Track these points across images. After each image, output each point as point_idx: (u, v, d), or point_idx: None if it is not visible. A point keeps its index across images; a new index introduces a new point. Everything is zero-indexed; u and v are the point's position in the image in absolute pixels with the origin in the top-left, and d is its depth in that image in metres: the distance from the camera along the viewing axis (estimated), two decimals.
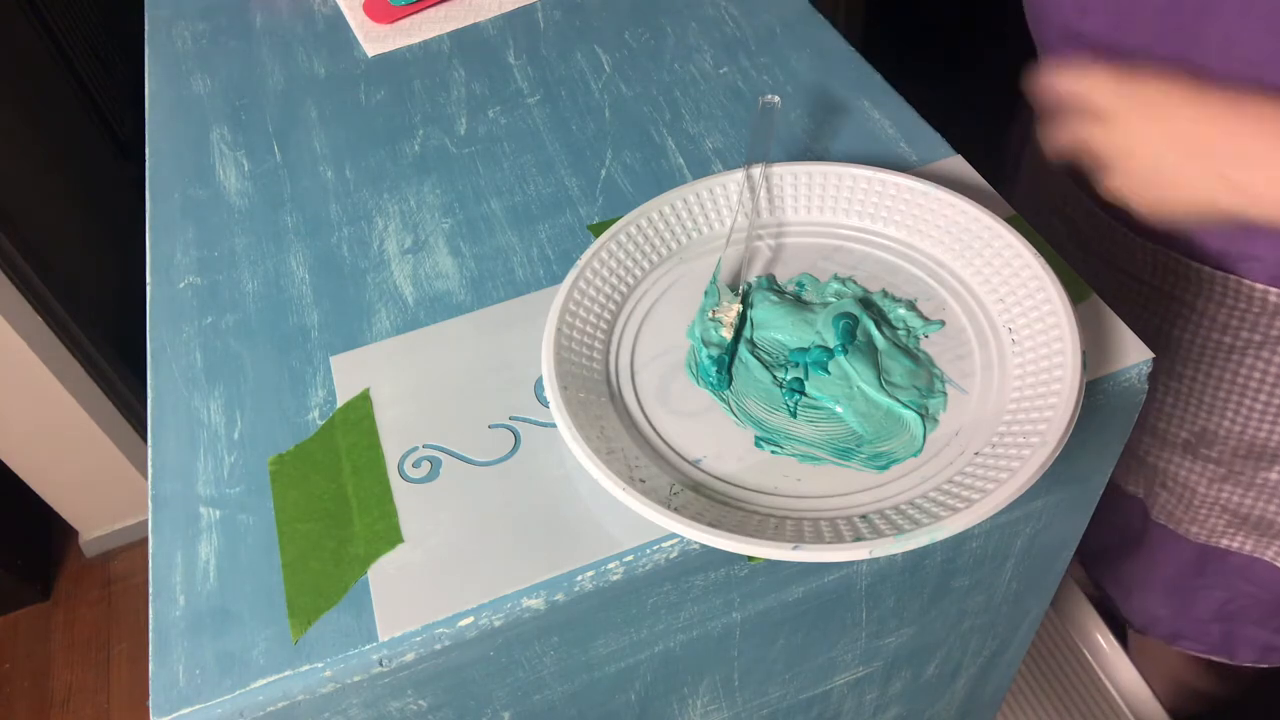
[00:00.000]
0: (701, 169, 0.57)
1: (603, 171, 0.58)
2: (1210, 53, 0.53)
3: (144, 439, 0.56)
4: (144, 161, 0.63)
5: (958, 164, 0.56)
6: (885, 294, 0.49)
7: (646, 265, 0.51)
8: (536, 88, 0.65)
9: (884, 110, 0.60)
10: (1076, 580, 1.05)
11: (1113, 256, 0.68)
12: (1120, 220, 0.66)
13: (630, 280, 0.50)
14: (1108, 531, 0.85)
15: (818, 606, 0.49)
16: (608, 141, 0.60)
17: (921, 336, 0.47)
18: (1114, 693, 0.96)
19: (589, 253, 0.50)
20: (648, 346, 0.48)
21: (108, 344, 1.38)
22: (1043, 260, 0.46)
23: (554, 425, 0.46)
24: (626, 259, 0.51)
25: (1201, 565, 0.78)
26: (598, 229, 0.55)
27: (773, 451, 0.44)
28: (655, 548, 0.41)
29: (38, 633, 1.54)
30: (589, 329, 0.48)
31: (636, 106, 0.62)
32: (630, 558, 0.41)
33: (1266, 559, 0.73)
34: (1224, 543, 0.74)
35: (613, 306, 0.49)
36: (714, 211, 0.53)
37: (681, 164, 0.58)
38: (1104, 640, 0.95)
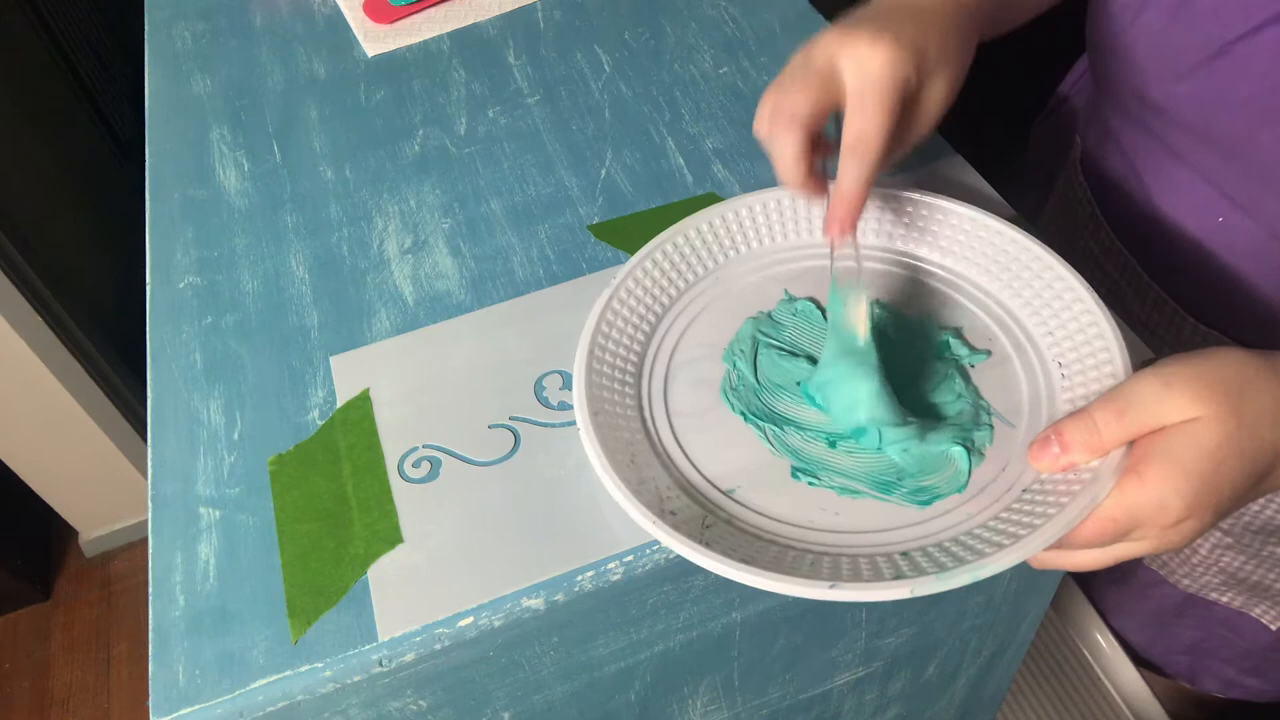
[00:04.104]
0: (702, 169, 0.57)
1: (603, 171, 0.58)
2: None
3: (144, 439, 0.55)
4: (144, 162, 0.63)
5: (959, 165, 0.56)
6: (930, 320, 0.48)
7: (682, 284, 0.50)
8: (536, 88, 0.65)
9: None
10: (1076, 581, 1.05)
11: (1155, 326, 0.64)
12: (1170, 293, 0.62)
13: (665, 300, 0.49)
14: None
15: (818, 607, 0.49)
16: (608, 141, 0.60)
17: (968, 366, 0.46)
18: (1114, 693, 0.96)
19: (623, 272, 0.48)
20: (682, 370, 0.47)
21: (108, 344, 1.38)
22: (1095, 294, 0.44)
23: (554, 425, 0.46)
24: (661, 278, 0.49)
25: (1185, 609, 0.77)
26: (598, 229, 0.55)
27: (810, 483, 0.42)
28: (655, 548, 0.41)
29: (38, 633, 1.54)
30: (622, 351, 0.47)
31: (636, 106, 0.62)
32: (630, 558, 0.41)
33: (1253, 615, 0.73)
34: (1213, 595, 0.74)
35: (646, 328, 0.48)
36: (752, 230, 0.52)
37: (681, 164, 0.58)
38: (1104, 640, 0.95)
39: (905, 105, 0.43)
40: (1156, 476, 0.36)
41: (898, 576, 0.37)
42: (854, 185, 0.43)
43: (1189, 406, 0.36)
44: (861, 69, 0.42)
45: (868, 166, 0.43)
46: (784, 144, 0.44)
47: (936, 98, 0.45)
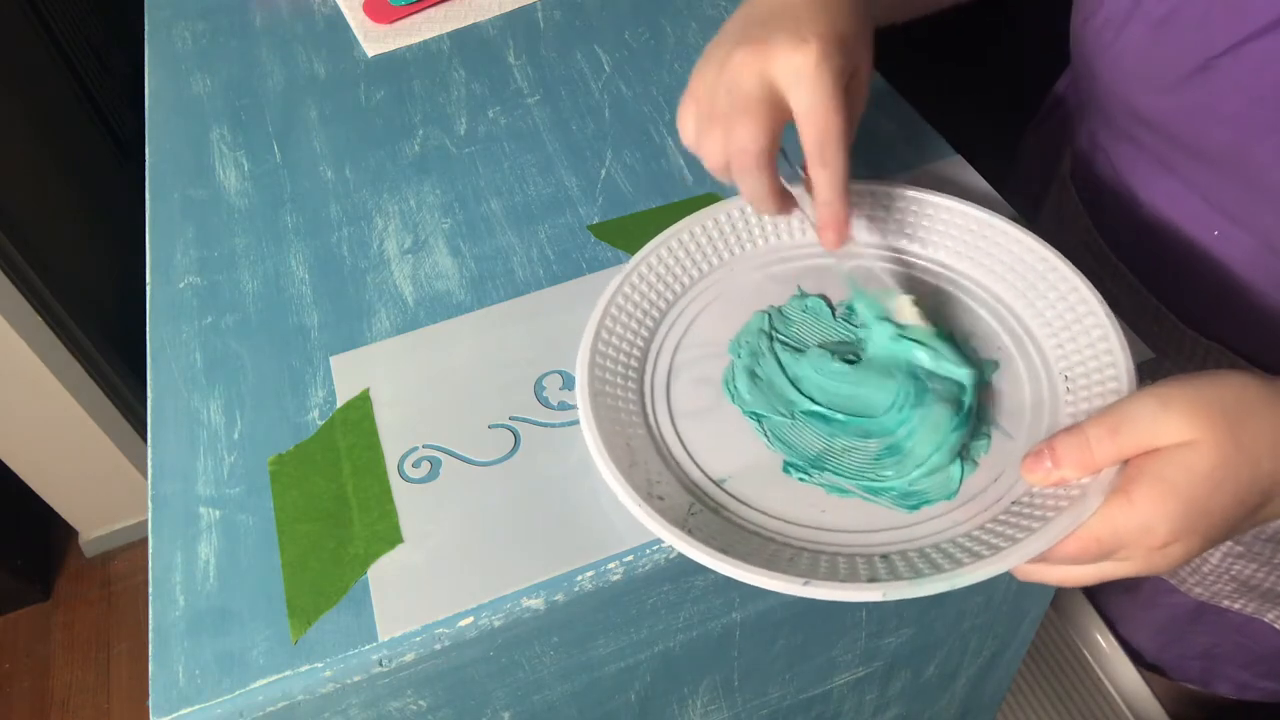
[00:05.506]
0: (701, 169, 0.57)
1: (603, 171, 0.58)
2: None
3: (144, 439, 0.56)
4: (144, 161, 0.63)
5: (958, 165, 0.56)
6: (939, 327, 0.47)
7: (696, 273, 0.50)
8: (536, 88, 0.65)
9: (884, 110, 0.60)
10: None
11: (1154, 338, 0.62)
12: (1168, 305, 0.61)
13: (678, 288, 0.50)
14: None
15: (818, 607, 0.49)
16: (608, 141, 0.60)
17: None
18: (1114, 693, 0.96)
19: (636, 259, 0.49)
20: (687, 359, 0.47)
21: (108, 344, 1.38)
22: (1108, 308, 0.44)
23: (554, 425, 0.46)
24: (675, 265, 0.50)
25: (1197, 616, 0.77)
26: (598, 229, 0.55)
27: (800, 479, 0.42)
28: (655, 548, 0.41)
29: (38, 633, 1.54)
30: (630, 335, 0.47)
31: (636, 106, 0.62)
32: (630, 558, 0.41)
33: (1266, 620, 0.73)
34: (1225, 603, 0.73)
35: (656, 314, 0.49)
36: (758, 228, 0.52)
37: (681, 164, 0.58)
38: (1104, 640, 0.95)
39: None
40: (1144, 499, 0.36)
41: (873, 579, 0.37)
42: (834, 192, 0.43)
43: (1185, 429, 0.35)
44: (801, 78, 0.41)
45: (840, 171, 0.43)
46: (755, 182, 0.44)
47: (863, 76, 0.45)
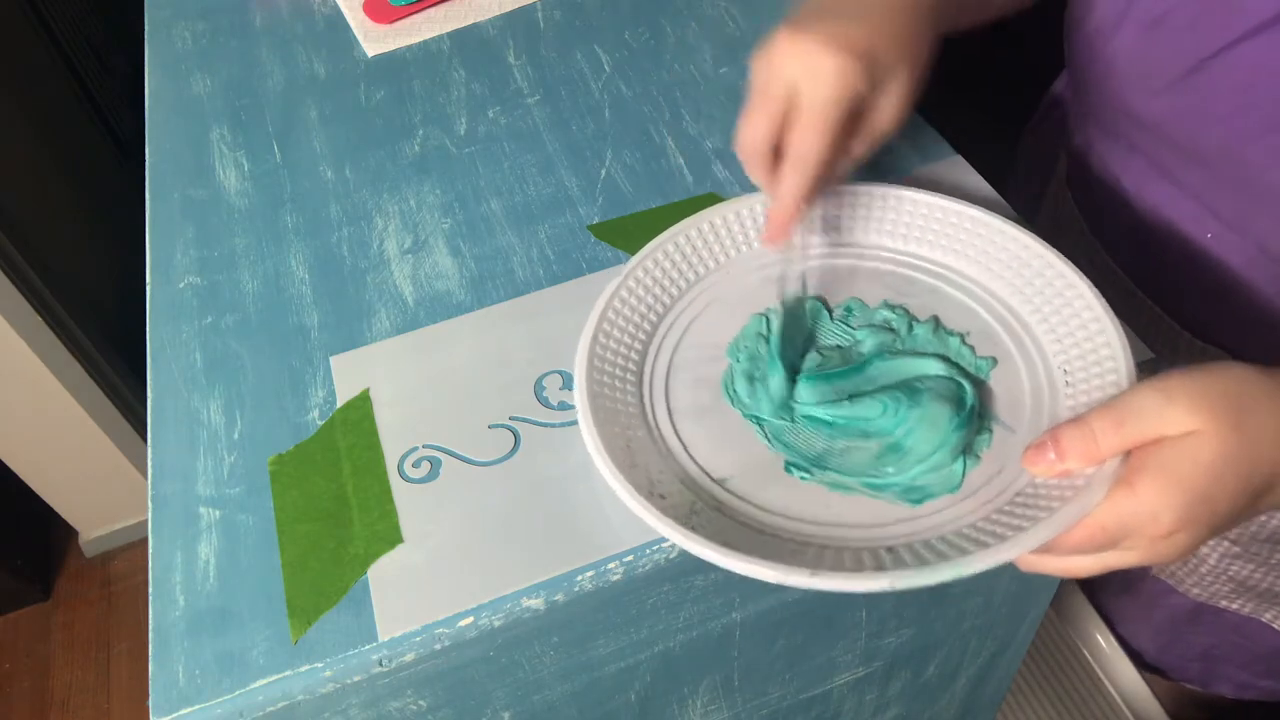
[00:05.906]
0: (702, 169, 0.57)
1: (603, 171, 0.58)
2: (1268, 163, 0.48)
3: (144, 439, 0.56)
4: (144, 161, 0.63)
5: (958, 165, 0.56)
6: (938, 324, 0.48)
7: (692, 276, 0.50)
8: (536, 88, 0.65)
9: None
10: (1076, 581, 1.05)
11: (1150, 341, 0.62)
12: (1164, 308, 0.61)
13: (675, 291, 0.50)
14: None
15: (818, 607, 0.49)
16: (608, 141, 0.60)
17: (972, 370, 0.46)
18: (1114, 693, 0.96)
19: (634, 261, 0.49)
20: (685, 361, 0.47)
21: (108, 344, 1.38)
22: (1105, 304, 0.44)
23: (554, 425, 0.46)
24: (672, 269, 0.50)
25: (1196, 617, 0.77)
26: (598, 229, 0.55)
27: (802, 477, 0.43)
28: (655, 548, 0.41)
29: (38, 633, 1.54)
30: (627, 338, 0.47)
31: (636, 106, 0.62)
32: (630, 558, 0.41)
33: (1264, 620, 0.73)
34: (1223, 603, 0.74)
35: (654, 317, 0.49)
36: (754, 231, 0.52)
37: (681, 164, 0.58)
38: (1104, 640, 0.95)
39: (854, 114, 0.44)
40: (1149, 489, 0.36)
41: (879, 569, 0.37)
42: (790, 197, 0.45)
43: (1188, 419, 0.35)
44: (812, 82, 0.42)
45: (806, 180, 0.44)
46: (755, 178, 0.46)
47: (889, 106, 0.45)
